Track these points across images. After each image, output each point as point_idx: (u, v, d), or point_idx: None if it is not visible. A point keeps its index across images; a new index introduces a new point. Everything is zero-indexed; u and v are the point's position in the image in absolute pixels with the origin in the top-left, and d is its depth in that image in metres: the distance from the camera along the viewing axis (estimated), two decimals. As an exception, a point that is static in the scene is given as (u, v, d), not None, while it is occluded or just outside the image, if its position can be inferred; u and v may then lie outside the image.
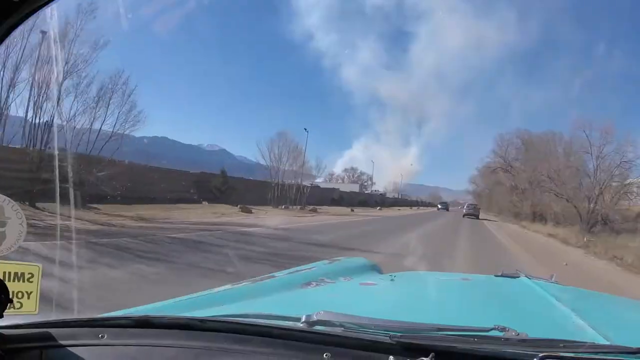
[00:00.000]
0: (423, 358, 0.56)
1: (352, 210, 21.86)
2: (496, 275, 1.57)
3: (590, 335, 0.79)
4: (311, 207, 18.87)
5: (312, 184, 28.32)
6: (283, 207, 16.60)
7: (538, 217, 21.19)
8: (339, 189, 34.79)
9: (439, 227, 14.88)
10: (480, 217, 29.19)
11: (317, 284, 1.28)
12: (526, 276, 1.49)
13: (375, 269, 1.77)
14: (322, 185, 33.68)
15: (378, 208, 26.75)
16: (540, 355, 0.44)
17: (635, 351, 0.61)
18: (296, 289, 1.19)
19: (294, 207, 18.31)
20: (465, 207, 34.63)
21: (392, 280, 1.54)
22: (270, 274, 1.39)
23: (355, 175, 77.75)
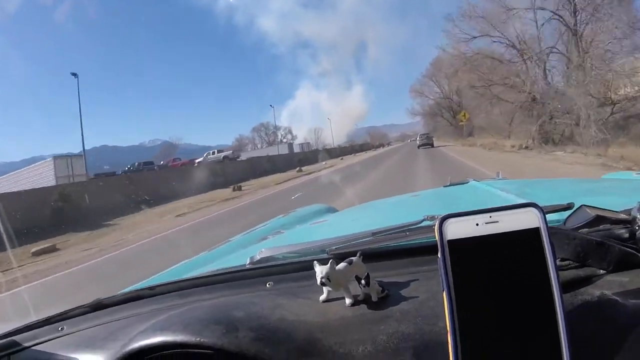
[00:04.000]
0: (351, 258, 0.59)
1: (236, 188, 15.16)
2: (445, 186, 1.67)
3: None
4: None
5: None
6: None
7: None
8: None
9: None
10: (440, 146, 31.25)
11: (272, 237, 1.32)
12: (475, 180, 1.57)
13: (331, 210, 1.88)
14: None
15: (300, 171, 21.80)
16: (442, 216, 0.43)
17: (565, 207, 0.67)
18: (251, 246, 1.22)
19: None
20: (417, 138, 36.75)
21: (343, 214, 1.63)
22: (227, 240, 1.44)
23: (270, 133, 69.29)
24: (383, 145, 73.96)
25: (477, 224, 0.45)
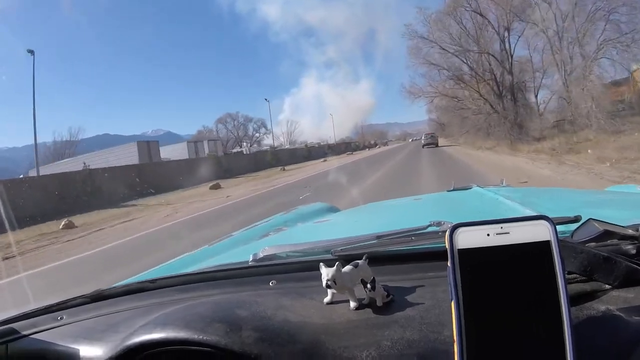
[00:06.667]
0: (357, 261, 0.70)
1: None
2: (448, 191, 1.87)
3: None
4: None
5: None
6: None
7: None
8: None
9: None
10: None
11: (274, 233, 1.48)
12: (478, 186, 1.78)
13: (333, 209, 2.07)
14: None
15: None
16: (453, 225, 0.49)
17: (572, 220, 0.76)
18: (253, 242, 1.37)
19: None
20: (422, 137, 35.49)
21: (346, 214, 1.85)
22: (228, 234, 1.60)
23: (238, 123, 59.94)
24: (371, 147, 64.52)
25: (487, 235, 0.48)
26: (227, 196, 15.29)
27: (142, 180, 20.94)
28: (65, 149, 37.17)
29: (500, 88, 24.76)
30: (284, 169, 27.39)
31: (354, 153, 46.00)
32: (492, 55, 24.82)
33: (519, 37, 24.79)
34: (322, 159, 36.17)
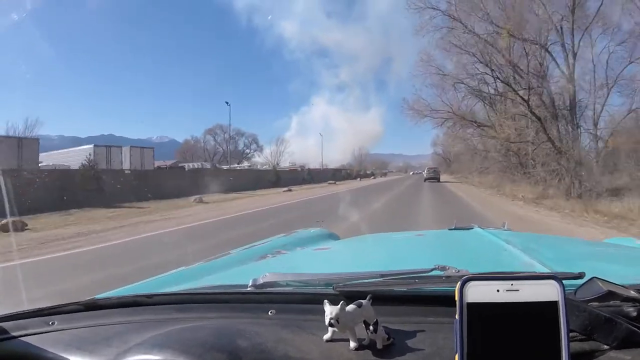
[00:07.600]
0: (360, 301, 0.74)
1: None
2: (450, 229, 2.13)
3: (538, 269, 1.04)
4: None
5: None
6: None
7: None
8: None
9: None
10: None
11: (273, 256, 1.55)
12: (479, 227, 2.07)
13: (333, 237, 2.35)
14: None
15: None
16: (464, 278, 0.54)
17: (576, 276, 0.80)
18: (251, 262, 1.45)
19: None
20: (425, 171, 37.75)
21: (347, 243, 2.02)
22: (226, 252, 1.67)
23: (228, 136, 56.63)
24: (365, 177, 55.03)
25: (497, 290, 0.51)
26: None
27: None
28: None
29: (556, 104, 16.98)
30: (201, 200, 18.17)
31: (337, 183, 40.01)
32: (546, 49, 17.18)
33: (586, 28, 16.87)
34: (286, 188, 29.67)
